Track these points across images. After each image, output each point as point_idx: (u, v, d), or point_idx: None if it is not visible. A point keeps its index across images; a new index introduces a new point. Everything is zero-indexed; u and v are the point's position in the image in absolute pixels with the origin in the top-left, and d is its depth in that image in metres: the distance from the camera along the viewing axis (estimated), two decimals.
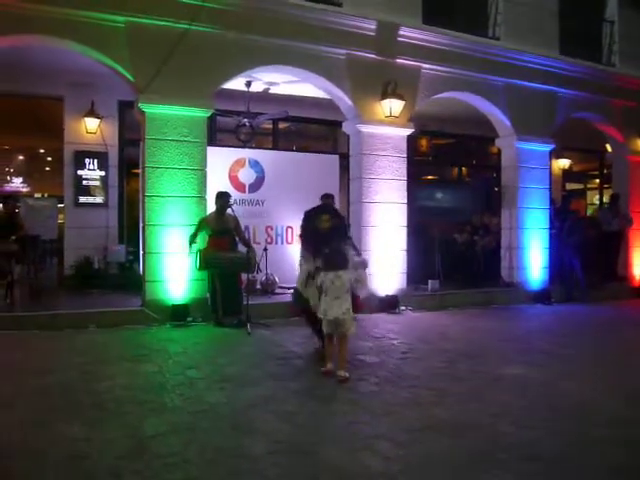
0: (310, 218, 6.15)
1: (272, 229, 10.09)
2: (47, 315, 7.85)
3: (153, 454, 3.63)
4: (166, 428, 4.07)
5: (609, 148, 13.80)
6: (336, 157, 10.99)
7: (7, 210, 9.80)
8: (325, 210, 6.11)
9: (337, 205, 9.18)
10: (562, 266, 11.43)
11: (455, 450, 3.75)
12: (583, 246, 11.42)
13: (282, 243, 10.16)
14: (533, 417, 4.43)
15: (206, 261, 8.00)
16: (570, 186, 17.64)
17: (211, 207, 8.53)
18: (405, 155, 10.17)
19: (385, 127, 9.88)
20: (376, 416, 4.38)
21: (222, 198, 8.30)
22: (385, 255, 9.86)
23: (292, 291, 6.63)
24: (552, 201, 12.16)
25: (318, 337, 6.12)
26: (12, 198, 10.52)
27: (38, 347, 6.74)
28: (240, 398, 4.87)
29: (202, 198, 8.59)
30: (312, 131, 14.05)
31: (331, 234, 5.84)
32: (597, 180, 17.69)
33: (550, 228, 11.69)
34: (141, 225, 8.78)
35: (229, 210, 8.32)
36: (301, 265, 6.24)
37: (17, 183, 17.55)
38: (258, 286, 9.36)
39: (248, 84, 10.66)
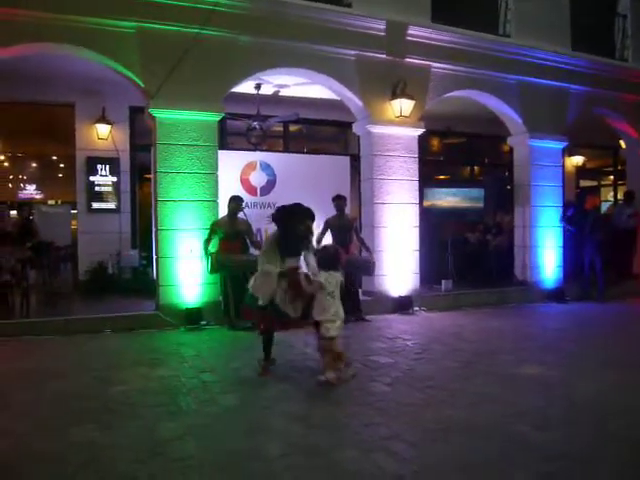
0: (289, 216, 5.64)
1: None
2: (62, 320, 7.89)
3: (169, 457, 3.64)
4: (181, 431, 4.08)
5: (623, 144, 13.68)
6: (347, 158, 10.96)
7: (22, 217, 9.87)
8: (312, 217, 5.64)
9: (348, 206, 9.19)
10: (581, 264, 11.31)
11: (471, 451, 3.72)
12: (603, 244, 11.32)
13: None
14: (549, 417, 4.39)
15: (218, 264, 8.03)
16: (584, 183, 17.52)
17: (223, 211, 8.55)
18: (416, 155, 10.14)
19: (396, 127, 9.85)
20: (390, 417, 4.36)
21: (234, 202, 8.33)
22: (398, 256, 9.84)
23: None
24: (568, 202, 11.98)
25: (267, 351, 5.73)
26: (27, 205, 10.60)
27: (53, 352, 6.78)
28: (254, 400, 4.88)
29: (214, 202, 8.61)
30: (323, 133, 14.05)
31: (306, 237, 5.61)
32: (611, 177, 17.55)
33: (566, 229, 11.57)
34: (154, 230, 8.82)
35: (241, 214, 8.35)
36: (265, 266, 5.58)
37: (30, 190, 17.69)
38: None
39: (258, 87, 10.67)
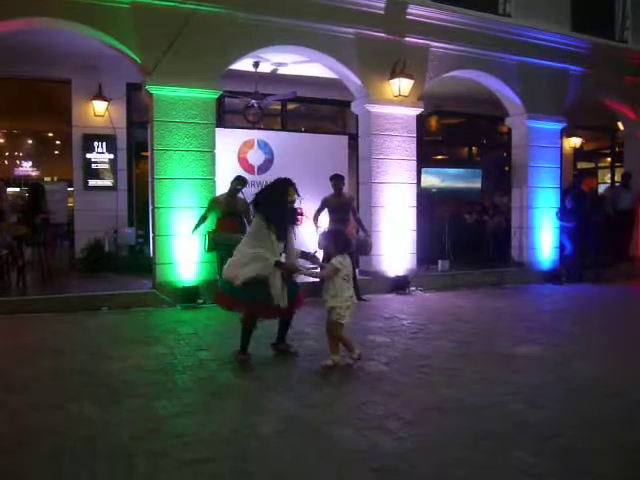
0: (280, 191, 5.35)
1: None
2: (59, 298, 7.90)
3: (166, 434, 3.66)
4: (179, 409, 4.10)
5: (621, 126, 13.65)
6: (345, 137, 10.92)
7: (32, 194, 9.60)
8: (290, 183, 5.33)
9: (346, 185, 9.17)
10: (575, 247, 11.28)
11: (467, 430, 3.75)
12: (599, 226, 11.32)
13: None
14: (546, 397, 4.42)
15: (215, 242, 8.03)
16: (581, 165, 17.50)
17: (220, 189, 8.54)
18: (415, 135, 10.10)
19: (394, 107, 9.80)
20: (387, 396, 4.38)
21: (236, 181, 8.32)
22: (395, 235, 9.84)
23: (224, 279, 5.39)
24: (568, 190, 11.81)
25: (246, 341, 5.33)
26: (37, 183, 10.48)
27: (50, 329, 6.78)
28: (252, 379, 4.91)
29: (211, 180, 8.58)
30: (321, 112, 13.97)
31: (293, 210, 5.34)
32: (609, 159, 17.54)
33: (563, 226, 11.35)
34: (150, 208, 8.80)
35: (240, 194, 8.35)
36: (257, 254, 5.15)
37: (27, 167, 17.62)
38: None
39: (256, 65, 10.58)
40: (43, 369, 5.12)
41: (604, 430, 3.79)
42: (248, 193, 8.58)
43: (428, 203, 11.11)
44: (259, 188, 9.42)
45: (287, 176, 5.50)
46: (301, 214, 5.44)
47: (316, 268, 5.62)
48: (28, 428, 3.78)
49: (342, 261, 5.06)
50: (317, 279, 5.87)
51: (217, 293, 5.62)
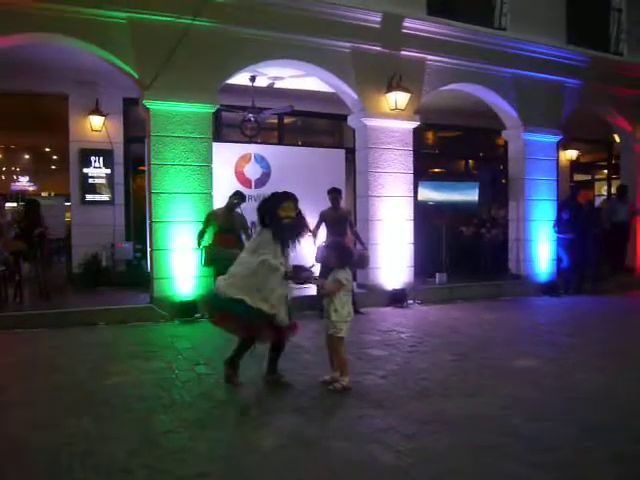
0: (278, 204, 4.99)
1: None
2: (56, 313, 7.87)
3: (164, 449, 3.63)
4: (176, 424, 4.07)
5: (617, 138, 13.70)
6: (342, 151, 10.96)
7: (29, 211, 9.53)
8: (290, 197, 5.02)
9: (344, 199, 9.18)
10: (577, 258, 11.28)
11: (466, 443, 3.73)
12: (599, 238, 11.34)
13: None
14: (544, 408, 4.41)
15: (212, 257, 8.01)
16: (578, 177, 17.55)
17: (217, 203, 8.53)
18: (411, 148, 10.12)
19: (391, 120, 9.84)
20: (385, 409, 4.37)
21: (234, 196, 8.32)
22: (392, 249, 9.84)
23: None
24: (562, 204, 11.77)
25: (240, 358, 5.09)
26: (32, 199, 10.48)
27: (48, 345, 6.75)
28: (249, 393, 4.88)
29: (208, 194, 8.58)
30: (318, 125, 14.01)
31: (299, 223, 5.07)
32: (605, 171, 17.58)
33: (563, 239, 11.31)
34: (148, 222, 8.79)
35: (237, 209, 8.35)
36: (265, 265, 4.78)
37: (24, 182, 17.63)
38: None
39: (252, 79, 10.61)
40: (40, 384, 5.10)
41: (603, 440, 3.78)
42: (245, 207, 8.60)
43: (425, 216, 11.11)
44: (256, 202, 9.50)
45: (285, 190, 5.36)
46: (305, 226, 5.20)
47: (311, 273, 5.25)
48: (25, 443, 3.75)
49: (347, 276, 4.94)
50: (321, 290, 5.69)
51: (218, 314, 5.14)
